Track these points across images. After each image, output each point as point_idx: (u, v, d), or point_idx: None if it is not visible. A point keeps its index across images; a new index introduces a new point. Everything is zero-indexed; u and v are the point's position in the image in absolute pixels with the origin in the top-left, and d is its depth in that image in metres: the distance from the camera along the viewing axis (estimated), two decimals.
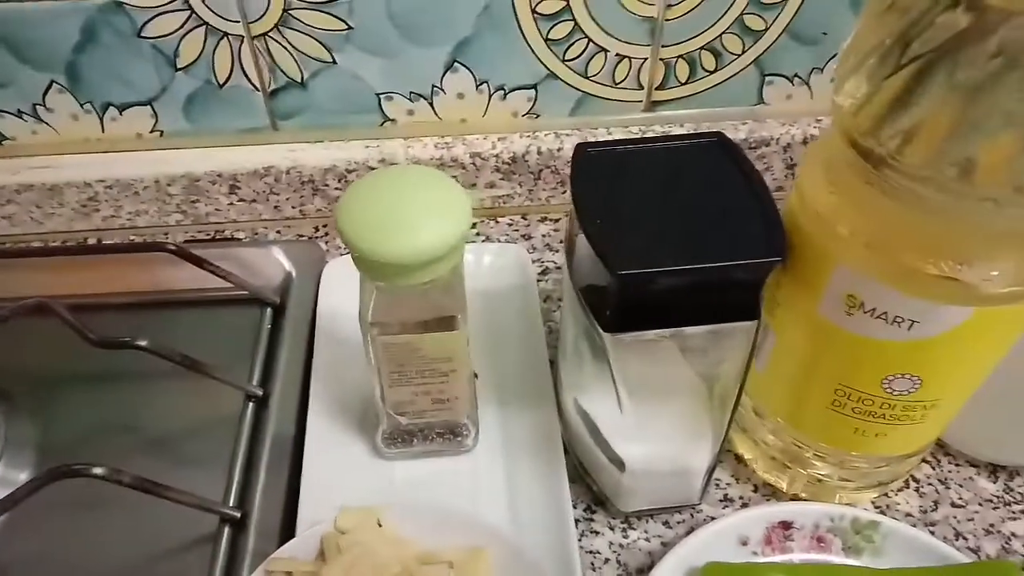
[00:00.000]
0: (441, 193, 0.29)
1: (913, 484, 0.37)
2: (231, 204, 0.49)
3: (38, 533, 0.35)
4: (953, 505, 0.37)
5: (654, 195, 0.30)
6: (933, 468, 0.38)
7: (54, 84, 0.45)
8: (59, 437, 0.39)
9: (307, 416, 0.38)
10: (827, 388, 0.30)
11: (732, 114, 0.49)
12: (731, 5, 0.44)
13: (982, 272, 0.25)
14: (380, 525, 0.32)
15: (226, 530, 0.34)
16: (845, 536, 0.33)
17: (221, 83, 0.45)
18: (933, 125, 0.23)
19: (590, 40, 0.45)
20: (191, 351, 0.37)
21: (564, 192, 0.50)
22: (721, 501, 0.37)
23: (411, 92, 0.47)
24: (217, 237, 0.50)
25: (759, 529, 0.33)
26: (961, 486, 0.37)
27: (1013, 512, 0.36)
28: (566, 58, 0.46)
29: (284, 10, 0.43)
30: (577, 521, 0.36)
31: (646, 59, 0.46)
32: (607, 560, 0.35)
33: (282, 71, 0.45)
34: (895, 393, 0.29)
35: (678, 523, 0.36)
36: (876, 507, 0.36)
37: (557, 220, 0.51)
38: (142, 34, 0.43)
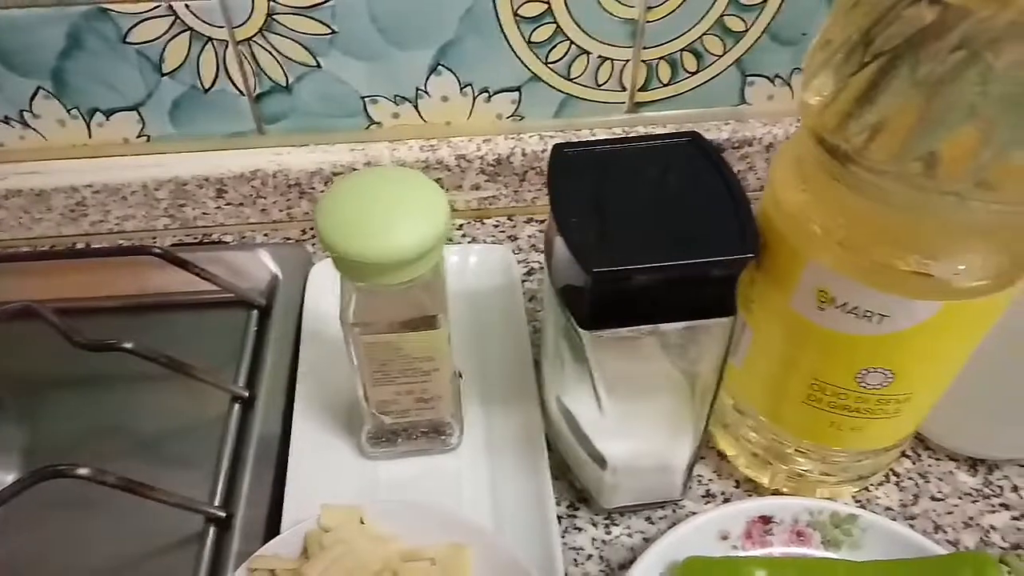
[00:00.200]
0: (419, 193, 0.30)
1: (893, 478, 0.38)
2: (218, 208, 0.49)
3: (24, 534, 0.35)
4: (933, 499, 0.37)
5: (630, 194, 0.30)
6: (913, 462, 0.38)
7: (41, 90, 0.45)
8: (46, 440, 0.39)
9: (292, 417, 0.38)
10: (803, 383, 0.31)
11: (715, 114, 0.50)
12: (711, 7, 0.45)
13: (949, 266, 0.26)
14: (363, 523, 0.32)
15: (211, 530, 0.34)
16: (824, 530, 0.34)
17: (206, 88, 0.46)
18: (897, 121, 0.23)
19: (572, 42, 0.45)
20: (178, 353, 0.37)
21: None
22: (703, 497, 0.37)
23: (396, 95, 0.47)
24: (204, 241, 0.50)
25: (739, 524, 0.34)
26: (941, 480, 0.38)
27: (992, 505, 0.37)
28: (549, 60, 0.46)
29: (268, 15, 0.43)
30: (560, 518, 0.36)
31: (628, 61, 0.47)
32: (590, 556, 0.35)
33: (267, 75, 0.46)
34: (869, 387, 0.29)
35: (660, 519, 0.36)
36: (856, 501, 0.37)
37: (543, 221, 0.51)
38: (127, 40, 0.43)
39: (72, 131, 0.47)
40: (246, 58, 0.45)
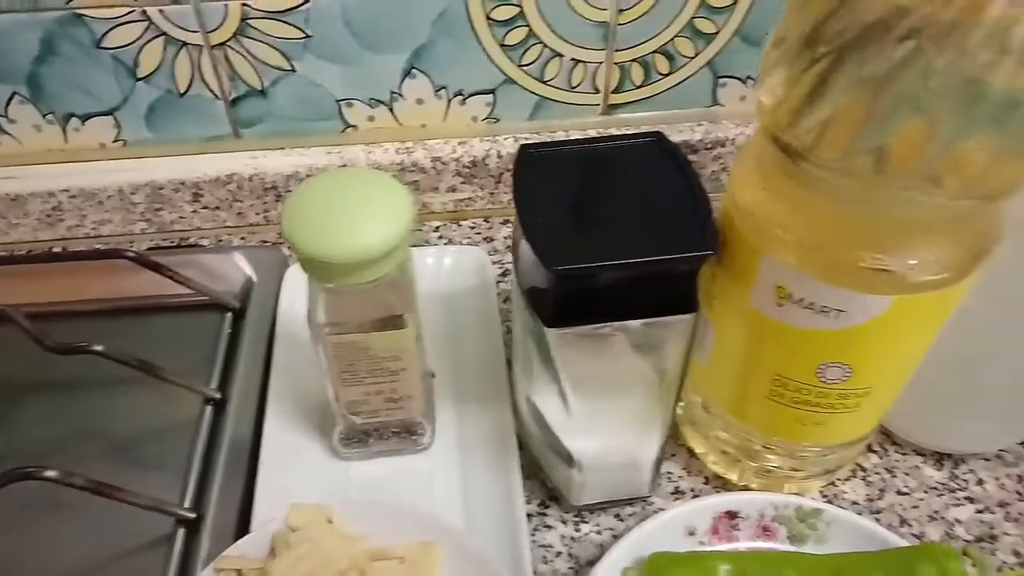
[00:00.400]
0: (382, 193, 0.30)
1: (860, 473, 0.38)
2: (195, 212, 0.50)
3: None
4: (899, 493, 0.37)
5: (594, 194, 0.30)
6: (880, 457, 0.39)
7: (16, 95, 0.45)
8: (19, 444, 0.39)
9: (265, 418, 0.38)
10: (765, 379, 0.31)
11: (688, 116, 0.50)
12: (682, 9, 0.45)
13: (901, 261, 0.26)
14: (331, 522, 0.33)
15: (181, 531, 0.35)
16: (790, 524, 0.34)
17: (182, 92, 0.46)
18: (845, 117, 0.24)
19: (545, 45, 0.46)
20: (152, 357, 0.37)
21: None
22: (672, 494, 0.37)
23: (371, 98, 0.47)
24: (181, 244, 0.50)
25: (706, 519, 0.34)
26: (907, 474, 0.38)
27: (957, 499, 0.37)
28: (522, 63, 0.47)
29: (242, 19, 0.43)
30: (531, 516, 0.36)
31: (601, 63, 0.47)
32: (559, 553, 0.35)
33: (242, 79, 0.46)
34: (828, 382, 0.30)
35: (629, 516, 0.36)
36: (824, 496, 0.37)
37: None
38: (102, 45, 0.44)
39: (48, 136, 0.47)
40: (221, 62, 0.45)
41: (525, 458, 0.37)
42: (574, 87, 0.48)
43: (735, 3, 0.45)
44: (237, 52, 0.45)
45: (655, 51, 0.47)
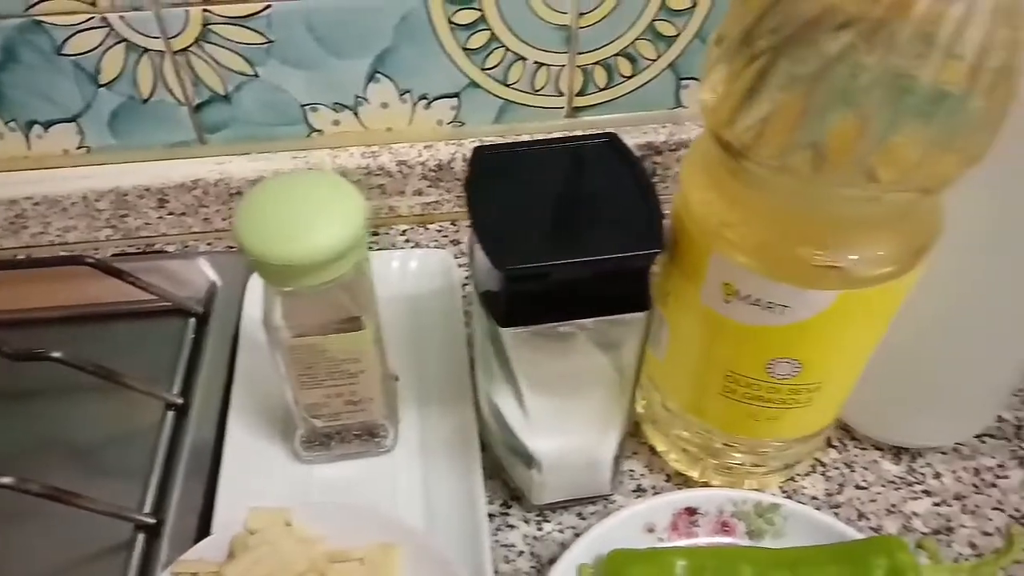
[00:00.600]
0: (334, 195, 0.30)
1: (820, 468, 0.38)
2: (160, 218, 0.50)
3: None
4: (857, 487, 0.38)
5: (546, 194, 0.31)
6: (840, 452, 0.39)
7: None
8: None
9: (227, 423, 0.38)
10: (718, 375, 0.32)
11: (653, 118, 0.51)
12: (642, 12, 0.46)
13: (843, 257, 0.26)
14: (289, 524, 0.33)
15: (140, 537, 0.34)
16: (748, 520, 0.34)
17: (145, 98, 0.46)
18: (782, 114, 0.24)
19: (507, 49, 0.46)
20: (115, 363, 0.37)
21: None
22: (634, 491, 0.38)
23: (335, 103, 0.47)
24: (147, 250, 0.50)
25: (665, 516, 0.34)
26: (866, 469, 0.38)
27: (914, 492, 0.37)
28: (485, 67, 0.47)
29: (203, 25, 0.43)
30: (494, 516, 0.37)
31: (564, 66, 0.48)
32: (521, 552, 0.36)
33: (205, 85, 0.46)
34: (778, 377, 0.30)
35: (591, 514, 0.37)
36: (784, 492, 0.37)
37: None
38: (62, 52, 0.44)
39: (10, 143, 0.47)
40: (183, 68, 0.45)
41: (488, 459, 0.37)
42: (538, 90, 0.49)
43: (694, 5, 0.46)
44: (199, 57, 0.45)
45: (617, 54, 0.47)
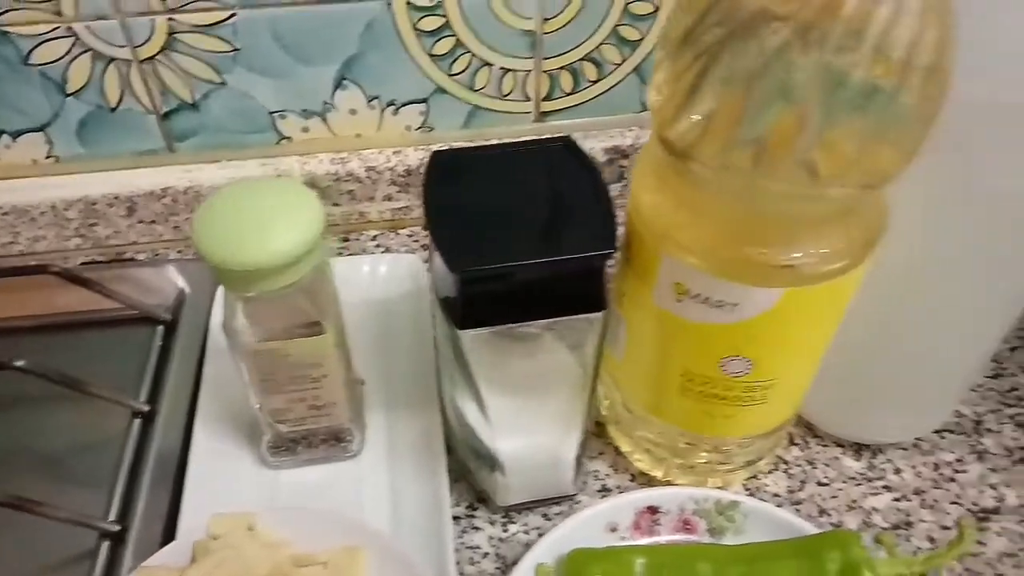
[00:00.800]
0: (291, 200, 0.30)
1: (783, 466, 0.39)
2: (130, 226, 0.50)
3: None
4: (819, 484, 0.38)
5: (502, 197, 0.31)
6: (802, 450, 0.39)
7: None
8: None
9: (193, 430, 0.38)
10: (674, 374, 0.32)
11: (619, 121, 0.51)
12: (606, 17, 0.46)
13: (787, 255, 0.27)
14: (252, 529, 0.33)
15: (105, 545, 0.34)
16: (709, 517, 0.35)
17: (113, 107, 0.46)
18: (723, 114, 0.25)
19: (473, 55, 0.47)
20: (82, 371, 0.37)
21: None
22: (599, 492, 0.38)
23: (303, 110, 0.48)
24: (116, 259, 0.50)
25: (627, 515, 0.34)
26: (827, 465, 0.39)
27: (875, 488, 0.38)
28: (452, 72, 0.47)
29: (169, 34, 0.44)
30: (459, 518, 0.37)
31: (530, 71, 0.48)
32: (486, 554, 0.36)
33: (173, 93, 0.46)
34: (732, 375, 0.31)
35: (556, 515, 0.37)
36: (747, 489, 0.38)
37: None
38: (29, 61, 0.44)
39: None
40: (150, 76, 0.45)
41: (454, 461, 0.38)
42: (505, 95, 0.49)
43: (656, 10, 0.46)
44: (166, 66, 0.45)
45: (582, 58, 0.48)
